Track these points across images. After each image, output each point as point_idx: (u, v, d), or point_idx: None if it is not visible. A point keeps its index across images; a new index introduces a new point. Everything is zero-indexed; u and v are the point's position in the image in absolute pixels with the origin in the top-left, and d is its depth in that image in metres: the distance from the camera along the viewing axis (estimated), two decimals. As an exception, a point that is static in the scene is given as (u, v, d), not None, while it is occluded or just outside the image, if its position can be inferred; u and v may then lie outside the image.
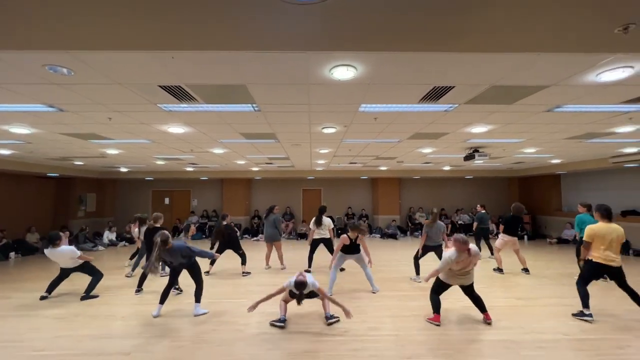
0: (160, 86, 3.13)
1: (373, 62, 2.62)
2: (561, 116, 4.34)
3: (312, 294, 3.79)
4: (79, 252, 5.02)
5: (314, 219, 6.51)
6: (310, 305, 4.63)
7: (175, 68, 2.70)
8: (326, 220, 6.49)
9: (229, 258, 7.69)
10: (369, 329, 3.79)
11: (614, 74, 2.81)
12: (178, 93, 3.32)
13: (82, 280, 5.67)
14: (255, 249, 9.68)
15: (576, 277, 4.28)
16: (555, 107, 3.90)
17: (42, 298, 4.97)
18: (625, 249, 8.73)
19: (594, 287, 5.44)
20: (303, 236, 12.12)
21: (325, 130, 5.15)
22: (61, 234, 5.08)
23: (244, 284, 5.78)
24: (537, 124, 4.81)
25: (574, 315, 4.08)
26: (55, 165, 9.41)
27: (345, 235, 4.96)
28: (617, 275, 3.86)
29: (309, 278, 3.61)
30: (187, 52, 2.38)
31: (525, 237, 11.51)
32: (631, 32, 2.03)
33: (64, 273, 5.10)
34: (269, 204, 13.50)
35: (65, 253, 4.90)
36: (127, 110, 3.93)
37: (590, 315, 3.92)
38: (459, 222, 12.98)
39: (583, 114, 4.21)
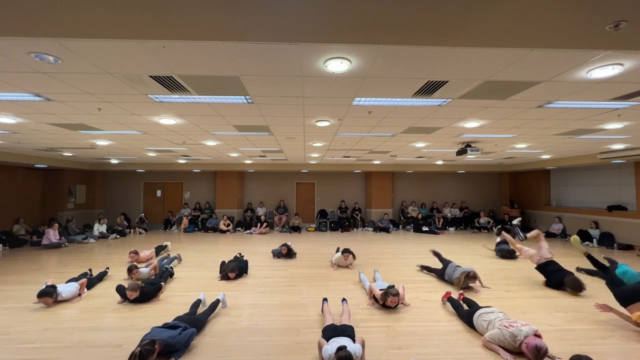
0: (151, 76, 3.06)
1: (368, 56, 2.61)
2: (552, 112, 4.39)
3: None
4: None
5: None
6: (304, 297, 4.67)
7: (167, 58, 2.64)
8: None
9: (227, 253, 7.66)
10: (360, 321, 3.85)
11: (604, 71, 2.85)
12: (169, 84, 3.26)
13: (71, 275, 5.61)
14: (247, 242, 9.67)
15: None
16: (547, 103, 3.94)
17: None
18: (610, 242, 8.97)
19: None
20: (296, 229, 12.17)
21: (319, 124, 5.13)
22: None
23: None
24: (529, 120, 4.87)
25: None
26: (43, 156, 9.21)
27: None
28: None
29: (353, 347, 2.73)
30: (179, 42, 2.33)
31: (515, 231, 11.72)
32: (622, 30, 2.06)
33: None
34: (263, 197, 13.76)
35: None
36: (117, 100, 3.85)
37: None
38: (451, 216, 13.16)
39: (573, 110, 4.27)
